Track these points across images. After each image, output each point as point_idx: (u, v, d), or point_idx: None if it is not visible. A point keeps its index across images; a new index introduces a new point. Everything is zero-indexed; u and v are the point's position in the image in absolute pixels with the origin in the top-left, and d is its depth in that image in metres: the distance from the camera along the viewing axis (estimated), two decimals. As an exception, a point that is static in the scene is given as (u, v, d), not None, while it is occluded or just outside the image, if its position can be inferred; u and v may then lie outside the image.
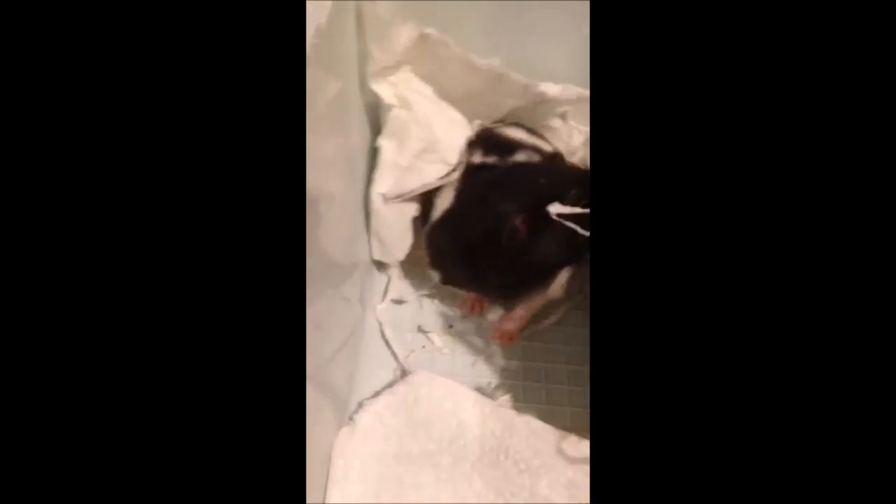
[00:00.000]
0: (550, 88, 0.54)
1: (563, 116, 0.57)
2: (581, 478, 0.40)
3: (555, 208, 0.37)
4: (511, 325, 0.51)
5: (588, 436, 0.46)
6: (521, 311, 0.51)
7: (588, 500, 0.40)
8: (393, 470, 0.41)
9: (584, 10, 0.49)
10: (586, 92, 0.54)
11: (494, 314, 0.53)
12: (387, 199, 0.51)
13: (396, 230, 0.52)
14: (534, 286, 0.47)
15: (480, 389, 0.49)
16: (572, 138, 0.58)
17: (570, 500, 0.40)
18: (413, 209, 0.53)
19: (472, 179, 0.48)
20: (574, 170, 0.48)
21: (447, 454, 0.43)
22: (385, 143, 0.50)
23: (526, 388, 0.50)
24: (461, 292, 0.54)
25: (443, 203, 0.48)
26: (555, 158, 0.51)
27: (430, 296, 0.56)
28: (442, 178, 0.50)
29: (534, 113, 0.55)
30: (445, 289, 0.56)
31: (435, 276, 0.50)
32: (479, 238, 0.43)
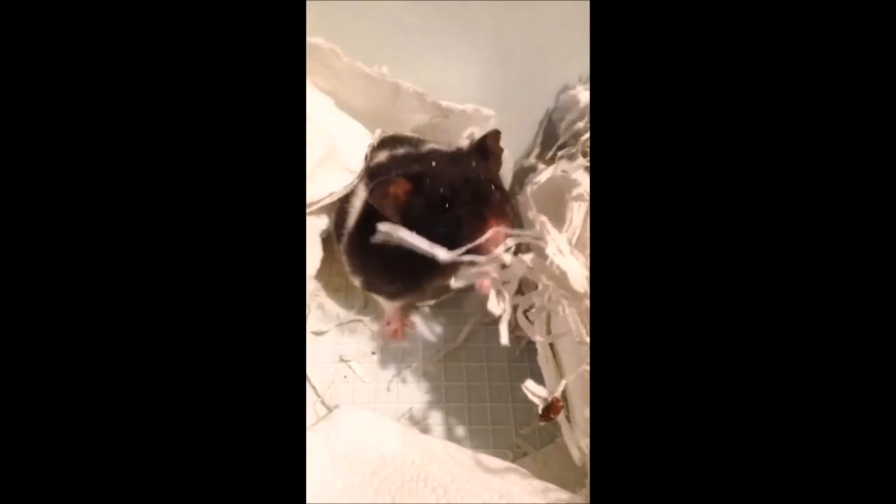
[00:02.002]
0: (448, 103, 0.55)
1: (470, 137, 0.58)
2: (496, 497, 0.42)
3: (384, 227, 0.38)
4: (392, 324, 0.54)
5: (509, 453, 0.48)
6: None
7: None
8: (313, 508, 0.41)
9: (486, 33, 0.54)
10: (488, 111, 0.56)
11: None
12: None
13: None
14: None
15: (403, 416, 0.50)
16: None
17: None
18: (322, 222, 0.52)
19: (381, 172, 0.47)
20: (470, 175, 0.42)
21: (369, 487, 0.43)
22: None
23: (448, 409, 0.51)
24: (382, 317, 0.55)
25: (357, 203, 0.48)
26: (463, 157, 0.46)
27: (352, 322, 0.56)
28: (347, 185, 0.49)
29: (442, 134, 0.56)
30: (367, 314, 0.56)
31: (357, 280, 0.50)
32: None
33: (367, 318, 0.56)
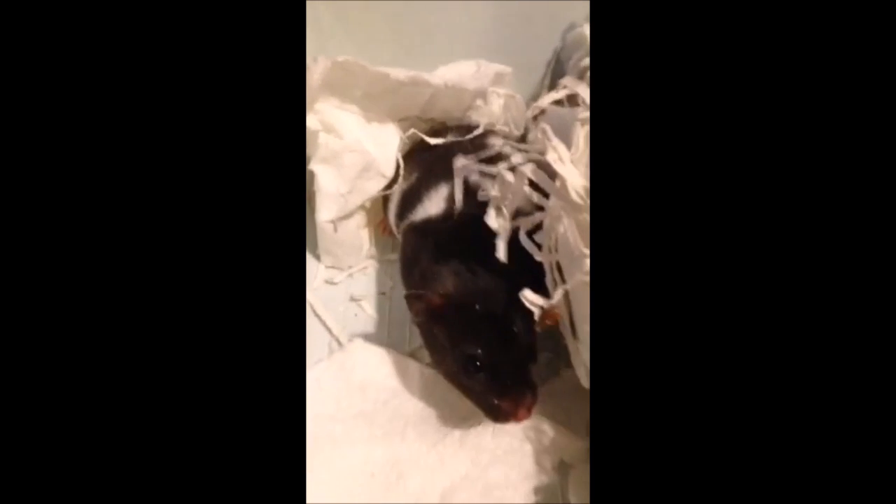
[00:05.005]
0: (467, 68, 0.55)
1: (483, 96, 0.58)
2: (509, 426, 0.43)
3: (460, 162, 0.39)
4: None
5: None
6: None
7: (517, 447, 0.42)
8: (328, 430, 0.43)
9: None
10: (503, 68, 0.56)
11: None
12: (336, 225, 0.53)
13: (348, 243, 0.55)
14: None
15: (415, 353, 0.50)
16: (493, 106, 0.59)
17: (496, 445, 0.43)
18: (362, 218, 0.55)
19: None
20: None
21: (382, 414, 0.45)
22: (320, 170, 0.51)
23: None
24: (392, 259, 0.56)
25: (430, 206, 0.47)
26: None
27: (362, 269, 0.57)
28: (382, 189, 0.52)
29: (456, 99, 0.56)
30: (377, 258, 0.58)
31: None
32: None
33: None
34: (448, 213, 0.46)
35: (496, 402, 0.37)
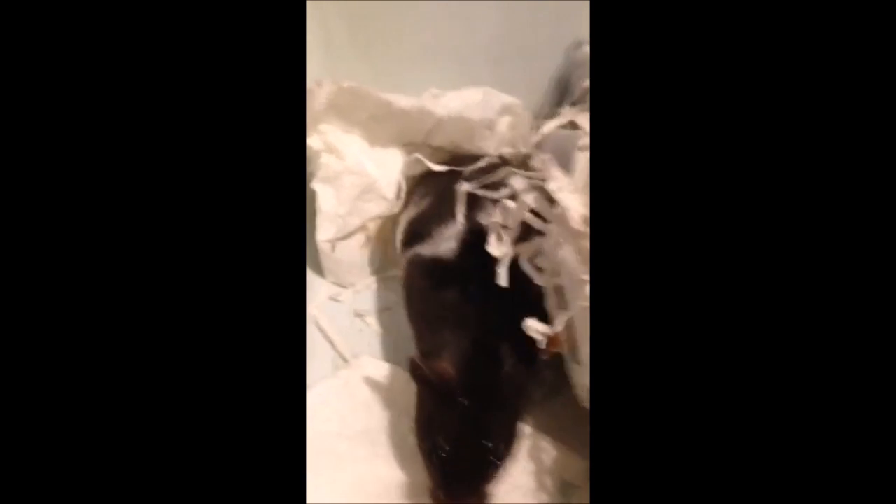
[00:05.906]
0: (473, 96, 0.56)
1: (490, 126, 0.58)
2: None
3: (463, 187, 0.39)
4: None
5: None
6: None
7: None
8: (332, 447, 0.44)
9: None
10: (511, 100, 0.57)
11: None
12: (334, 244, 0.55)
13: (348, 262, 0.57)
14: None
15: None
16: (500, 126, 0.60)
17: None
18: (360, 238, 0.56)
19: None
20: None
21: (386, 432, 0.45)
22: (321, 189, 0.52)
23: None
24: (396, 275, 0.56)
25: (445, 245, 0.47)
26: None
27: (367, 286, 0.58)
28: (387, 210, 0.53)
29: (461, 129, 0.56)
30: (381, 274, 0.58)
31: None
32: None
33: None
34: (458, 255, 0.45)
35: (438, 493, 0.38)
